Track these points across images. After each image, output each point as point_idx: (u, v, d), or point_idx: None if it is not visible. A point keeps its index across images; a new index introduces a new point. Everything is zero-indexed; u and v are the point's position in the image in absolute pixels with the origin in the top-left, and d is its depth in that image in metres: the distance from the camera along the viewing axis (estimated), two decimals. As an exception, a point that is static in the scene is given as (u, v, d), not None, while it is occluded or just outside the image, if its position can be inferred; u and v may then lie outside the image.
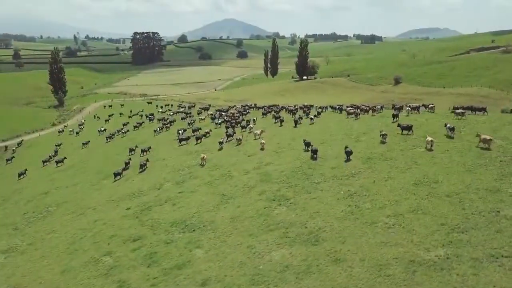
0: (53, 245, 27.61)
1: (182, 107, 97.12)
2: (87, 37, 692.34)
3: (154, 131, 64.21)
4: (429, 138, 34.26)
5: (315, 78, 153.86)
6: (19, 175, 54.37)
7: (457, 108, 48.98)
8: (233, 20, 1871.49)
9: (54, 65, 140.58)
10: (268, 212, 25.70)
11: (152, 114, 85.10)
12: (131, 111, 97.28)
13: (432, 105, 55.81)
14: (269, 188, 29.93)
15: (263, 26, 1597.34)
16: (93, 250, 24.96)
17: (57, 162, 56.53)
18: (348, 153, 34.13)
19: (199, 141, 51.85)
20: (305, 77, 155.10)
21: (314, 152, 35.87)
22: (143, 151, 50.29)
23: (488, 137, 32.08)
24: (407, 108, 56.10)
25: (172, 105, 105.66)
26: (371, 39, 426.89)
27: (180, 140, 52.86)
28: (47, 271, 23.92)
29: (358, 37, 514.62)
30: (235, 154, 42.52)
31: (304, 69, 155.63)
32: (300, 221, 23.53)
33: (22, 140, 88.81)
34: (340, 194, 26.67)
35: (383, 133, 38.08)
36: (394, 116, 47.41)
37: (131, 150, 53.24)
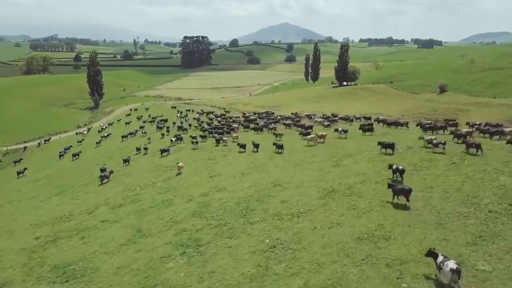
0: None
1: (198, 113, 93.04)
2: (146, 41, 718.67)
3: (148, 138, 60.46)
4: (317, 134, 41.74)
5: (355, 84, 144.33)
6: (18, 173, 55.55)
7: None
8: (287, 25, 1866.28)
9: (92, 68, 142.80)
10: (160, 264, 19.78)
11: (164, 121, 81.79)
12: (149, 116, 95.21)
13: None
14: (192, 226, 24.01)
15: (318, 30, 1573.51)
16: None
17: (73, 155, 59.86)
18: (256, 146, 41.42)
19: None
20: (345, 83, 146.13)
21: (256, 146, 42.16)
22: (145, 149, 52.63)
23: (324, 133, 43.17)
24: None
25: (193, 111, 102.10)
26: (429, 44, 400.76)
27: (162, 151, 48.31)
28: None
29: (415, 41, 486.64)
30: (199, 173, 36.88)
31: (344, 75, 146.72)
32: (182, 285, 17.44)
33: (50, 138, 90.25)
34: (264, 244, 20.18)
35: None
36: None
37: (137, 149, 53.40)
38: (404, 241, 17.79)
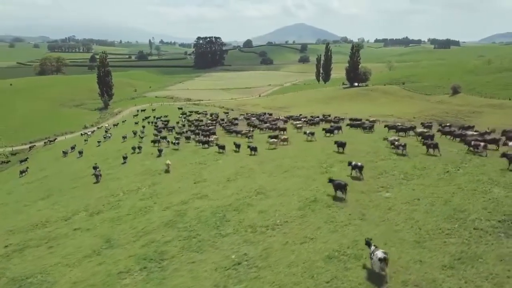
0: None
1: (198, 114, 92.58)
2: (161, 41, 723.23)
3: (141, 138, 61.22)
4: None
5: (366, 85, 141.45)
6: (21, 172, 56.13)
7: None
8: (302, 25, 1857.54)
9: (102, 69, 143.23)
10: (117, 280, 18.49)
11: (167, 122, 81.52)
12: (154, 117, 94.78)
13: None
14: (161, 237, 22.73)
15: (333, 31, 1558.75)
16: None
17: (79, 152, 61.19)
18: (237, 146, 43.84)
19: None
20: (356, 84, 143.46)
21: (238, 146, 43.72)
22: (139, 148, 53.77)
23: (286, 137, 46.62)
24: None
25: (197, 112, 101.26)
26: (446, 44, 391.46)
27: (159, 151, 48.65)
28: None
29: (432, 41, 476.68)
30: (185, 178, 35.64)
31: (355, 75, 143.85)
32: (131, 306, 16.13)
33: (55, 139, 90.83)
34: (229, 260, 18.69)
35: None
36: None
37: (133, 148, 53.72)
38: (375, 262, 16.08)
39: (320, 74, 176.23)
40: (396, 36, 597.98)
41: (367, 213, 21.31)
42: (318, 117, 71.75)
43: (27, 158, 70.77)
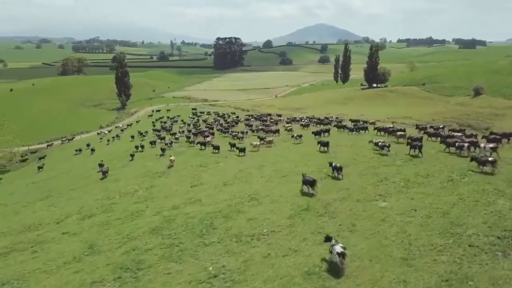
0: None
1: (208, 114, 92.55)
2: (183, 42, 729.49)
3: (144, 136, 61.57)
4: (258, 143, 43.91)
5: (385, 86, 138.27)
6: (39, 168, 58.55)
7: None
8: (324, 25, 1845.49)
9: (120, 69, 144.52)
10: (87, 291, 17.77)
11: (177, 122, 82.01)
12: (168, 117, 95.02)
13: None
14: (144, 245, 21.86)
15: (355, 31, 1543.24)
16: None
17: (92, 150, 63.96)
18: (232, 145, 44.75)
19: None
20: (374, 85, 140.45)
21: (233, 145, 44.57)
22: (142, 146, 54.77)
23: (271, 139, 46.35)
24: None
25: (209, 112, 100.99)
26: (471, 44, 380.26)
27: (163, 150, 49.33)
28: None
29: (457, 41, 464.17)
30: (183, 181, 34.80)
31: (374, 76, 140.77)
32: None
33: (73, 137, 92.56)
34: (206, 272, 17.63)
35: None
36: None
37: (136, 147, 54.29)
38: (356, 280, 14.78)
39: (339, 75, 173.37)
40: (420, 36, 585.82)
41: (358, 224, 19.92)
42: (317, 119, 71.05)
43: (45, 155, 72.40)
